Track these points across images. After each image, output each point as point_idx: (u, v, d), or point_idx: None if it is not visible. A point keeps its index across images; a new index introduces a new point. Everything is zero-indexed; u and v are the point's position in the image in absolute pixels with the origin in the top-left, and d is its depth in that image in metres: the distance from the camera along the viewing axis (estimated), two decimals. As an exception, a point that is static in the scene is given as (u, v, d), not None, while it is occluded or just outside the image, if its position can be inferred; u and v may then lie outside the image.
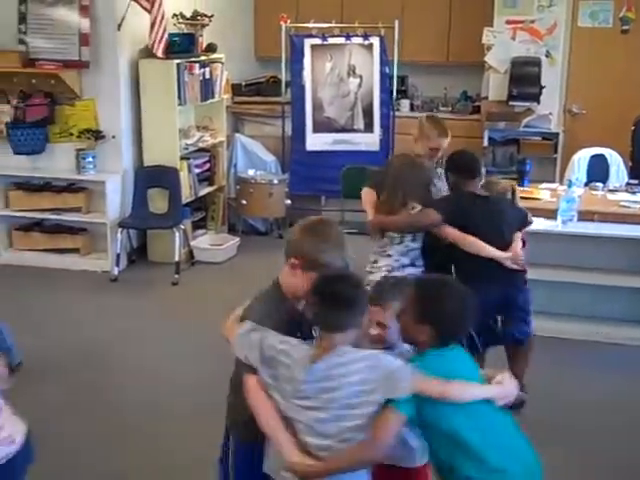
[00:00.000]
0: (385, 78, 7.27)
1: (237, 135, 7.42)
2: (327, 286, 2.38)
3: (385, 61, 7.22)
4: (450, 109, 8.19)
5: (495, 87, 7.67)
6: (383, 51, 7.18)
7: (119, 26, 6.18)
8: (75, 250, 6.47)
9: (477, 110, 7.96)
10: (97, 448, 3.89)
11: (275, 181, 7.06)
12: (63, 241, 6.47)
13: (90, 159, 6.32)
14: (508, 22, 7.53)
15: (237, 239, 6.83)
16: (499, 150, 7.62)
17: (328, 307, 2.35)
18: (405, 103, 8.20)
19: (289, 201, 7.15)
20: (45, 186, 6.50)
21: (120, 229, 6.22)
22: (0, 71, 6.24)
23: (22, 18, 6.26)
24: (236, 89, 7.85)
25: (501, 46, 7.54)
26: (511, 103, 7.50)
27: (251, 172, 7.16)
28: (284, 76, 7.47)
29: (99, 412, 4.24)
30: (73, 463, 3.76)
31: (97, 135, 6.32)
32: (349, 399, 2.30)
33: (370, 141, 7.29)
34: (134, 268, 6.44)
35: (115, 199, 6.36)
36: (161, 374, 4.67)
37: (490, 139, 7.61)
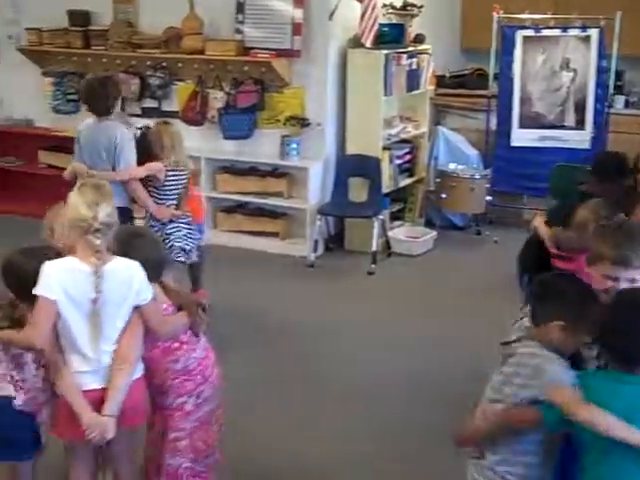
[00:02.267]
0: (602, 73, 6.87)
1: (440, 127, 7.30)
2: None
3: (603, 54, 6.82)
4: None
5: None
6: (601, 44, 6.79)
7: (331, 16, 6.25)
8: (274, 234, 6.63)
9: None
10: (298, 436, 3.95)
11: (477, 176, 6.88)
12: (264, 224, 6.66)
13: (294, 145, 6.46)
14: None
15: (434, 233, 6.73)
16: None
17: None
18: (620, 99, 7.72)
19: (490, 197, 6.95)
20: (250, 170, 6.72)
21: (319, 216, 6.31)
22: (217, 59, 6.53)
23: (240, 8, 6.49)
24: (440, 80, 7.73)
25: None
26: None
27: (452, 166, 7.02)
28: (492, 68, 7.26)
29: (298, 390, 4.32)
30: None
31: (303, 122, 6.44)
32: None
33: (580, 139, 6.91)
34: (330, 255, 6.51)
35: (316, 186, 6.46)
36: (359, 361, 4.68)
37: None
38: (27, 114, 7.65)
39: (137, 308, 2.71)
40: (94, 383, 2.68)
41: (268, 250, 6.54)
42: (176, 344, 2.91)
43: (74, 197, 2.67)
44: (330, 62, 6.38)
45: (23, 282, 2.65)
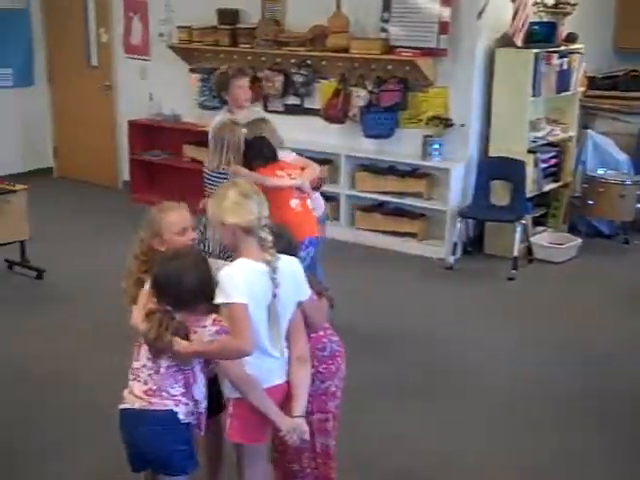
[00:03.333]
0: None
1: (589, 132, 7.00)
2: None
3: None
4: None
5: None
6: None
7: (479, 14, 6.12)
8: (412, 235, 6.56)
9: None
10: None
11: (628, 182, 6.56)
12: (402, 225, 6.60)
13: (436, 146, 6.36)
14: None
15: (578, 240, 6.46)
16: None
17: None
18: None
19: (640, 205, 6.63)
20: (390, 170, 6.68)
21: (459, 218, 6.20)
22: (361, 57, 6.52)
23: (386, 6, 6.46)
24: (590, 82, 7.41)
25: None
26: None
27: (601, 171, 6.72)
28: (648, 69, 6.92)
29: (437, 393, 4.25)
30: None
31: (446, 123, 6.33)
32: None
33: None
34: (469, 259, 6.37)
35: (457, 188, 6.35)
36: (500, 370, 4.56)
37: None
38: (175, 109, 7.92)
39: (299, 303, 2.74)
40: (277, 379, 2.72)
41: (405, 251, 6.48)
42: (321, 332, 2.94)
43: (235, 197, 2.65)
44: (477, 61, 6.25)
45: (186, 292, 2.63)
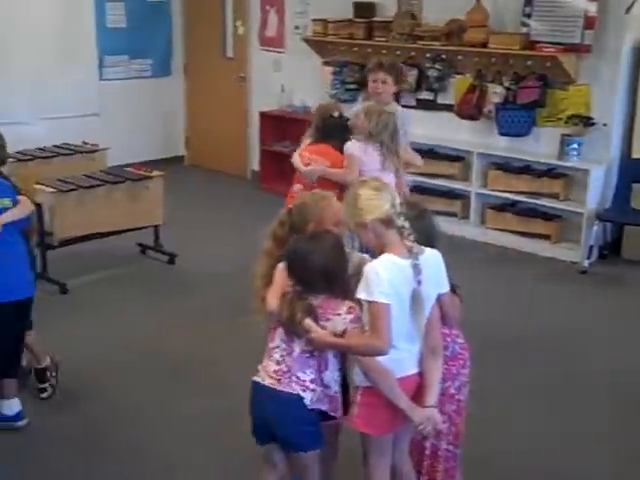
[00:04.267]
0: None
1: None
2: None
3: None
4: None
5: None
6: None
7: (628, 10, 5.85)
8: (545, 236, 6.36)
9: None
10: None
11: None
12: (535, 226, 6.40)
13: (575, 146, 6.13)
14: None
15: None
16: None
17: None
18: None
19: None
20: (524, 169, 6.48)
21: (597, 221, 5.95)
22: (499, 52, 6.36)
23: (528, 1, 6.26)
24: None
25: None
26: None
27: None
28: None
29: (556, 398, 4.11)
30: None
31: (586, 122, 6.09)
32: None
33: None
34: (605, 263, 6.12)
35: (596, 189, 6.10)
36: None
37: None
38: (305, 101, 7.98)
39: (439, 296, 2.71)
40: (410, 369, 2.70)
41: (537, 252, 6.29)
42: (446, 330, 2.89)
43: (368, 194, 2.62)
44: (623, 58, 5.98)
45: (310, 272, 2.66)
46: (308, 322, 2.63)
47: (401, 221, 2.60)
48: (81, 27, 8.08)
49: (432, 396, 2.70)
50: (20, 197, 3.75)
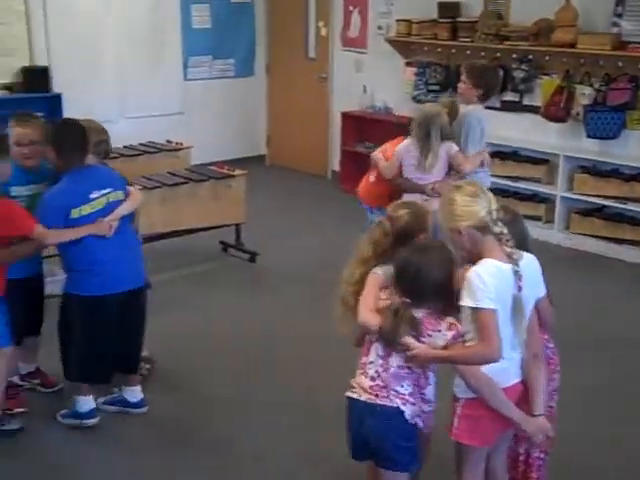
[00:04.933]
0: None
1: None
2: None
3: None
4: None
5: None
6: None
7: None
8: (635, 242, 6.16)
9: None
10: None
11: None
12: (623, 231, 6.20)
13: (667, 149, 5.94)
14: None
15: None
16: None
17: None
18: None
19: None
20: (612, 172, 6.30)
21: (690, 228, 5.75)
22: (589, 53, 6.19)
23: (619, 1, 6.08)
24: None
25: None
26: None
27: None
28: None
29: None
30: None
31: (680, 125, 5.89)
32: None
33: None
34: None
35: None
36: None
37: None
38: (387, 102, 7.94)
39: (537, 300, 2.67)
40: (515, 377, 2.67)
41: (625, 258, 6.11)
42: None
43: (463, 201, 2.59)
44: None
45: (422, 285, 2.62)
46: (408, 339, 2.59)
47: (499, 227, 2.56)
48: (168, 28, 8.24)
49: (540, 404, 2.67)
50: (129, 188, 3.86)
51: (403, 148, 4.66)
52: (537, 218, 6.62)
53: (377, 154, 4.87)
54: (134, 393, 3.97)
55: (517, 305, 2.54)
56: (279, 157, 9.21)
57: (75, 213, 3.54)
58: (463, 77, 4.84)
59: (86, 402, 3.83)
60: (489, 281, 2.49)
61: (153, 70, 8.18)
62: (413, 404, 2.66)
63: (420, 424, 2.69)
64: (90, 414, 3.84)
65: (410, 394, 2.65)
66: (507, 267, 2.54)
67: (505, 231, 2.56)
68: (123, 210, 3.71)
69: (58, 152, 3.59)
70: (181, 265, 6.01)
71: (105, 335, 3.70)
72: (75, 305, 3.66)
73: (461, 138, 4.64)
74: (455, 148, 4.61)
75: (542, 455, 2.97)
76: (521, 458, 2.95)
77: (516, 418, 2.61)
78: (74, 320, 3.69)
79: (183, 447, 3.72)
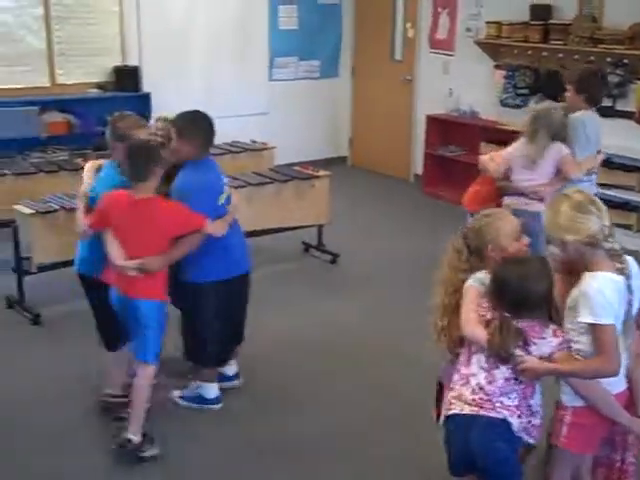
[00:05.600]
0: None
1: None
2: None
3: None
4: None
5: None
6: None
7: None
8: None
9: None
10: None
11: None
12: None
13: None
14: None
15: None
16: None
17: None
18: None
19: None
20: None
21: None
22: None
23: None
24: None
25: None
26: None
27: None
28: None
29: None
30: None
31: None
32: None
33: None
34: None
35: None
36: None
37: None
38: (473, 105, 7.82)
39: None
40: (621, 386, 2.66)
41: None
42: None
43: (569, 213, 2.52)
44: None
45: (524, 297, 2.59)
46: (518, 353, 2.56)
47: (610, 243, 2.51)
48: (255, 29, 8.31)
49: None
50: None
51: (513, 147, 4.70)
52: (628, 227, 6.41)
53: (485, 157, 4.86)
54: (232, 367, 4.13)
55: (629, 319, 2.50)
56: (361, 159, 9.19)
57: (220, 200, 3.67)
58: (567, 86, 4.83)
59: (212, 388, 3.96)
60: (610, 297, 2.46)
61: (239, 70, 8.27)
62: (520, 416, 2.61)
63: (525, 437, 2.64)
64: (217, 400, 3.98)
65: (517, 406, 2.61)
66: (621, 280, 2.49)
67: (617, 246, 2.52)
68: (235, 202, 3.88)
69: (195, 141, 3.61)
70: (262, 264, 6.02)
71: (233, 316, 3.91)
72: (206, 291, 3.72)
73: (571, 143, 4.59)
74: (566, 150, 4.53)
75: (634, 459, 2.92)
76: (617, 465, 2.90)
77: (625, 422, 2.62)
78: (204, 306, 3.76)
79: (268, 445, 3.73)
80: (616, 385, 2.62)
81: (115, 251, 3.38)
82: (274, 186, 5.89)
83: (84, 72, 7.40)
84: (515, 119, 7.08)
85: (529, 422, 2.63)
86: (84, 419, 3.88)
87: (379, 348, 4.68)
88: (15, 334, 4.82)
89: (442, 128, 8.06)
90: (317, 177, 6.11)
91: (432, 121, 8.06)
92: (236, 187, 5.66)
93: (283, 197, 5.92)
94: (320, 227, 6.26)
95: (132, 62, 7.62)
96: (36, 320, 4.91)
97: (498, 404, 2.60)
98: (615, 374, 2.51)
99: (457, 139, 7.97)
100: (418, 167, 8.44)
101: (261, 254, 6.17)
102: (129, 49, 7.61)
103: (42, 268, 4.94)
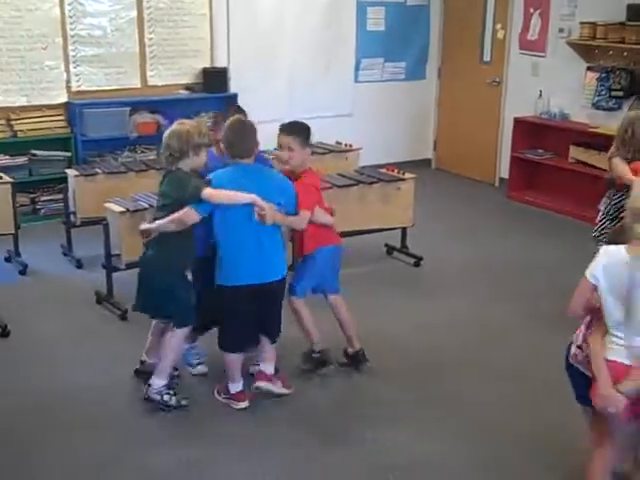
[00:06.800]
0: None
1: None
2: None
3: None
4: None
5: None
6: None
7: None
8: None
9: None
10: None
11: None
12: None
13: None
14: None
15: None
16: None
17: None
18: None
19: None
20: None
21: None
22: None
23: None
24: None
25: None
26: None
27: None
28: None
29: None
30: None
31: None
32: None
33: None
34: None
35: None
36: None
37: None
38: (563, 108, 7.62)
39: None
40: (623, 359, 2.84)
41: None
42: None
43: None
44: None
45: None
46: None
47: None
48: (343, 31, 8.31)
49: (627, 384, 2.79)
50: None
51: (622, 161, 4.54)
52: None
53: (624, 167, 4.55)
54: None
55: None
56: (445, 161, 9.08)
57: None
58: None
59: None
60: (600, 259, 2.86)
61: (325, 71, 8.28)
62: None
63: None
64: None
65: None
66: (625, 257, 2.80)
67: None
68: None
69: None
70: (346, 265, 5.99)
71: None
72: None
73: None
74: None
75: None
76: None
77: (599, 379, 2.85)
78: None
79: (341, 445, 3.73)
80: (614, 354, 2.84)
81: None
82: (359, 188, 5.87)
83: (174, 74, 7.55)
84: (607, 122, 6.89)
85: None
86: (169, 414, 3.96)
87: (462, 353, 4.63)
88: (103, 329, 4.94)
89: (530, 131, 7.87)
90: (403, 180, 6.06)
91: (520, 124, 7.88)
92: (322, 189, 5.65)
93: (368, 199, 5.89)
94: (403, 230, 6.20)
95: (220, 64, 7.72)
96: (124, 316, 5.02)
97: None
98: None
99: (545, 142, 7.79)
100: (504, 171, 8.27)
101: (344, 256, 6.15)
102: (218, 51, 7.71)
103: (130, 265, 5.04)
